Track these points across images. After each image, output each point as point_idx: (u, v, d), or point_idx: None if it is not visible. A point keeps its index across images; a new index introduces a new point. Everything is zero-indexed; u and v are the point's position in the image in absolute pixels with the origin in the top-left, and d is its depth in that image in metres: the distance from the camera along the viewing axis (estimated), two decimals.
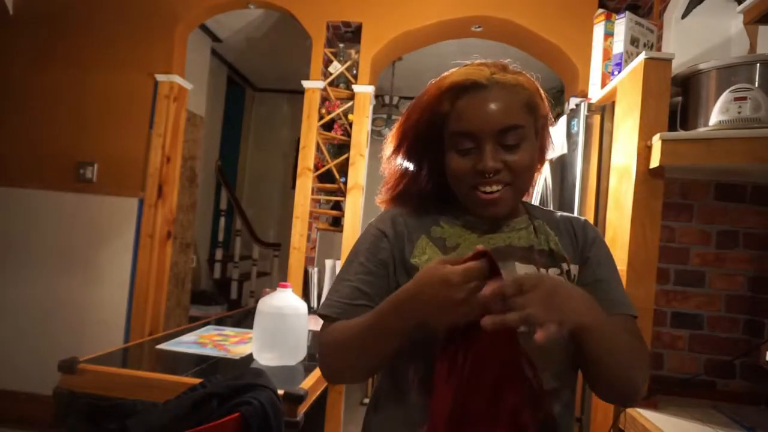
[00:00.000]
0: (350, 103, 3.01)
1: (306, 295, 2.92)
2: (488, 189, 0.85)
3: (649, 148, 1.53)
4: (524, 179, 0.87)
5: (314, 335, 2.13)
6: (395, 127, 0.96)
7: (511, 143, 0.84)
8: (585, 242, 0.94)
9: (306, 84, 2.99)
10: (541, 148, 0.91)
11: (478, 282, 0.68)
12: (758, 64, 1.40)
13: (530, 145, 0.86)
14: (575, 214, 1.00)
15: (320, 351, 0.88)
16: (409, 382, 0.84)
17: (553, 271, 0.87)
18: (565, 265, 0.89)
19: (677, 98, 1.59)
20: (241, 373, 1.37)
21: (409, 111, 0.92)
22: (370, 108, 3.08)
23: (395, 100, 4.87)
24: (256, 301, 1.74)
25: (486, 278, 0.69)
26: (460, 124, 0.85)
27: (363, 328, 0.79)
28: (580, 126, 1.92)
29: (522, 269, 0.87)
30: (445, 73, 0.90)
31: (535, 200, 2.44)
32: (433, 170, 0.92)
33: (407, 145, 0.92)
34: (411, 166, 0.94)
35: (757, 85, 1.39)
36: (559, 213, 0.99)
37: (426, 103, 0.88)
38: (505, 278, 0.74)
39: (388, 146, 0.97)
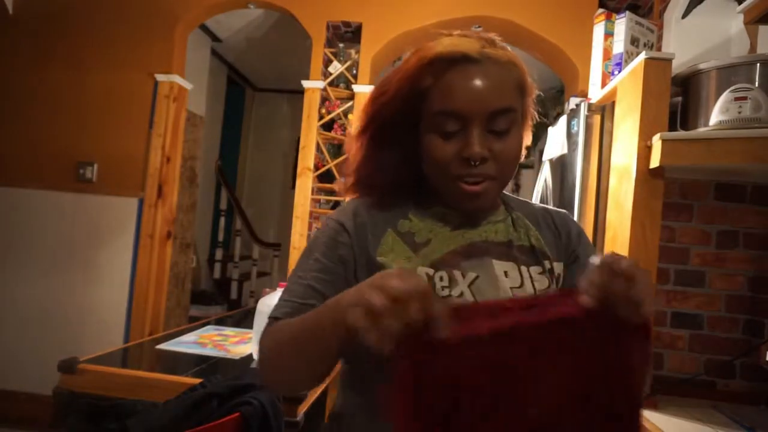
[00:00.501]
0: (350, 103, 3.01)
1: None
2: (472, 179, 0.75)
3: (649, 148, 1.53)
4: (509, 171, 0.78)
5: None
6: (365, 102, 0.85)
7: (500, 128, 0.74)
8: (569, 238, 0.86)
9: (306, 84, 2.99)
10: (525, 136, 0.82)
11: (416, 310, 0.52)
12: (758, 64, 1.40)
13: (518, 131, 0.78)
14: (556, 207, 0.94)
15: (258, 355, 0.76)
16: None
17: (534, 269, 0.80)
18: (547, 263, 0.82)
19: (677, 98, 1.59)
20: (241, 373, 1.37)
21: (383, 84, 0.81)
22: None
23: None
24: (256, 301, 1.74)
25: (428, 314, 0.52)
26: (445, 102, 0.74)
27: (299, 329, 0.70)
28: (580, 126, 1.92)
29: (499, 267, 0.79)
30: (429, 43, 0.78)
31: (535, 200, 2.44)
32: (405, 155, 0.81)
33: (377, 124, 0.81)
34: (379, 149, 0.82)
35: (757, 85, 1.39)
36: (538, 205, 0.92)
37: (405, 76, 0.77)
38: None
39: (354, 124, 0.85)
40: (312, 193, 2.99)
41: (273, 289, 1.74)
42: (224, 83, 4.96)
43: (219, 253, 4.87)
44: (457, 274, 0.76)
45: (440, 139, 0.75)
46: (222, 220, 4.88)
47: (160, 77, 3.00)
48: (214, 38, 4.24)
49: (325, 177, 3.08)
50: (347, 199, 0.89)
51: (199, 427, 1.12)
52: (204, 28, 3.99)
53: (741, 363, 1.64)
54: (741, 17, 1.62)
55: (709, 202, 1.68)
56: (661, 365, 1.68)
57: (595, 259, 0.58)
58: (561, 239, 0.86)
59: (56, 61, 3.06)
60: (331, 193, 3.12)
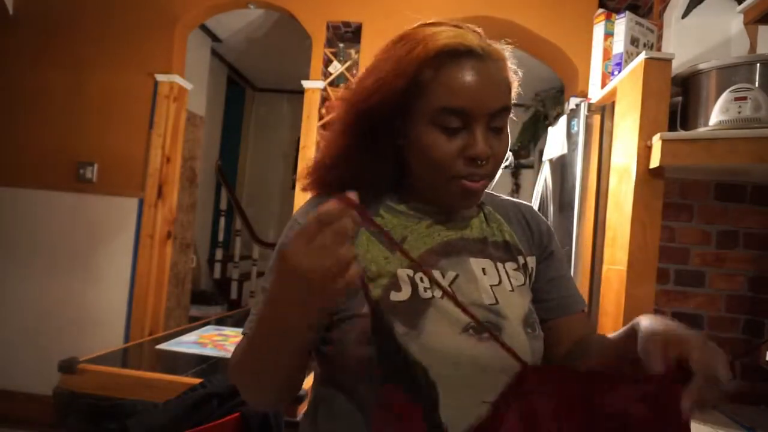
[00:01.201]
0: None
1: None
2: (476, 178, 0.72)
3: (649, 148, 1.53)
4: (499, 168, 0.76)
5: None
6: (345, 92, 0.79)
7: (498, 126, 0.73)
8: (540, 233, 0.86)
9: (306, 84, 2.99)
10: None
11: (346, 226, 0.52)
12: (758, 64, 1.40)
13: (507, 129, 0.76)
14: (522, 200, 0.92)
15: (230, 378, 0.74)
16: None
17: (509, 266, 0.79)
18: (521, 258, 0.81)
19: (677, 98, 1.59)
20: None
21: (371, 73, 0.75)
22: None
23: None
24: None
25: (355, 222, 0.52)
26: (450, 98, 0.70)
27: (250, 340, 0.67)
28: (580, 126, 1.92)
29: (477, 265, 0.77)
30: (425, 32, 0.74)
31: (535, 200, 2.44)
32: (385, 150, 0.76)
33: (362, 116, 0.74)
34: (359, 143, 0.75)
35: (757, 85, 1.39)
36: (504, 197, 0.90)
37: (403, 67, 0.71)
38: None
39: (333, 114, 0.83)
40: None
41: None
42: (224, 83, 4.96)
43: (219, 253, 4.87)
44: (436, 274, 0.74)
45: (443, 137, 0.71)
46: (222, 220, 4.88)
47: (160, 77, 3.00)
48: (214, 38, 4.24)
49: None
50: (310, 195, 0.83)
51: (199, 427, 1.12)
52: (204, 28, 3.99)
53: (741, 363, 1.64)
54: (741, 17, 1.62)
55: (709, 202, 1.68)
56: None
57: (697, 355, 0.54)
58: (533, 234, 0.85)
59: (56, 61, 3.06)
60: None
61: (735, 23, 1.70)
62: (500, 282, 0.76)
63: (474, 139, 0.70)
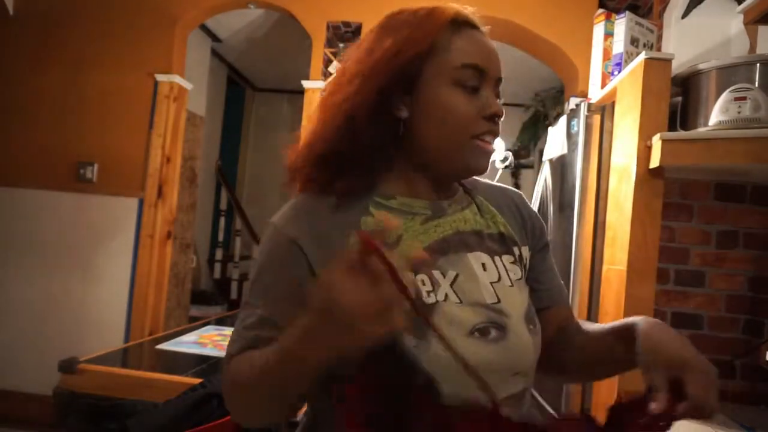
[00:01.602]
0: None
1: None
2: (490, 139, 0.73)
3: (649, 148, 1.53)
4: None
5: None
6: (348, 60, 0.75)
7: (498, 95, 0.75)
8: (533, 223, 0.85)
9: (306, 84, 2.99)
10: None
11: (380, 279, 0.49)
12: (758, 64, 1.40)
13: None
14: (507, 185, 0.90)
15: (225, 393, 0.70)
16: None
17: (506, 259, 0.77)
18: (516, 250, 0.80)
19: (677, 98, 1.59)
20: None
21: (381, 46, 0.71)
22: None
23: None
24: None
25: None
26: (469, 55, 0.71)
27: (264, 366, 0.62)
28: (580, 126, 1.92)
29: (476, 261, 0.74)
30: (430, 4, 0.75)
31: (535, 200, 2.44)
32: (385, 128, 0.72)
33: (374, 89, 0.70)
34: (360, 120, 0.70)
35: (757, 85, 1.39)
36: (491, 183, 0.88)
37: (423, 31, 0.71)
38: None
39: (334, 85, 0.75)
40: None
41: None
42: (224, 83, 4.96)
43: (219, 253, 4.87)
44: (437, 274, 0.71)
45: (462, 96, 0.71)
46: (222, 220, 4.88)
47: (160, 77, 3.00)
48: (214, 38, 4.24)
49: None
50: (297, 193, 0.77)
51: (199, 427, 1.12)
52: (204, 28, 3.99)
53: (741, 363, 1.64)
54: (741, 17, 1.62)
55: (709, 202, 1.68)
56: None
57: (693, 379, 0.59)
58: (525, 223, 0.84)
59: (56, 61, 3.06)
60: None
61: (735, 23, 1.70)
62: (500, 278, 0.75)
63: (491, 98, 0.72)
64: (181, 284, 3.89)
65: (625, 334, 0.69)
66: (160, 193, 2.99)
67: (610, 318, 1.64)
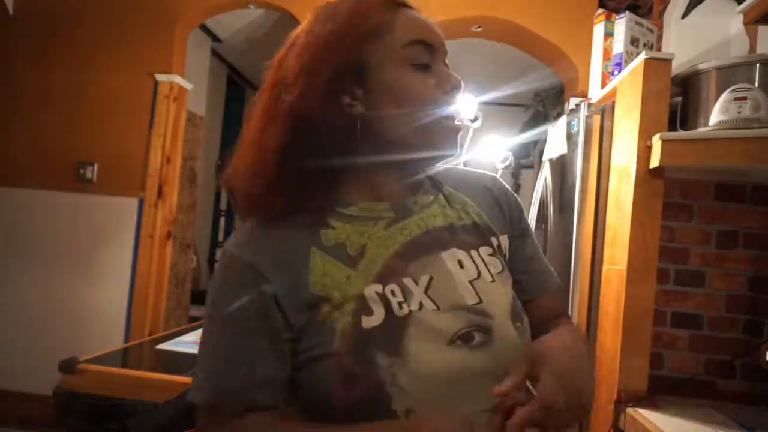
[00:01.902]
0: None
1: None
2: (457, 113, 0.67)
3: (649, 148, 1.53)
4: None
5: None
6: (286, 73, 0.66)
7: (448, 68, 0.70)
8: (510, 207, 0.78)
9: None
10: None
11: None
12: (758, 64, 1.40)
13: None
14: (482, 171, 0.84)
15: None
16: None
17: (484, 251, 0.71)
18: (494, 240, 0.73)
19: (677, 98, 1.59)
20: None
21: (317, 41, 0.65)
22: None
23: None
24: None
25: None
26: (414, 31, 0.67)
27: None
28: (580, 126, 1.92)
29: (451, 258, 0.68)
30: None
31: (535, 200, 2.44)
32: (336, 131, 0.65)
33: (318, 78, 0.63)
34: (307, 122, 0.64)
35: (757, 85, 1.39)
36: (463, 169, 0.82)
37: (358, 18, 0.65)
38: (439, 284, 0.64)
39: (274, 87, 0.67)
40: None
41: None
42: (224, 83, 4.96)
43: (219, 253, 4.86)
44: (408, 282, 0.65)
45: (417, 74, 0.66)
46: (222, 220, 4.88)
47: (160, 77, 3.00)
48: (214, 38, 4.24)
49: None
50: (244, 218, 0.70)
51: None
52: (204, 28, 3.99)
53: (741, 363, 1.64)
54: (741, 17, 1.62)
55: (709, 202, 1.68)
56: (661, 365, 1.68)
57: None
58: (502, 209, 0.77)
59: (56, 61, 3.06)
60: None
61: (735, 23, 1.70)
62: (479, 274, 0.69)
63: (445, 71, 0.68)
64: (181, 284, 3.89)
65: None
66: (160, 193, 2.99)
67: (611, 318, 1.64)
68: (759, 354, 1.57)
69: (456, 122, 0.67)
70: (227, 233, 5.06)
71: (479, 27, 3.04)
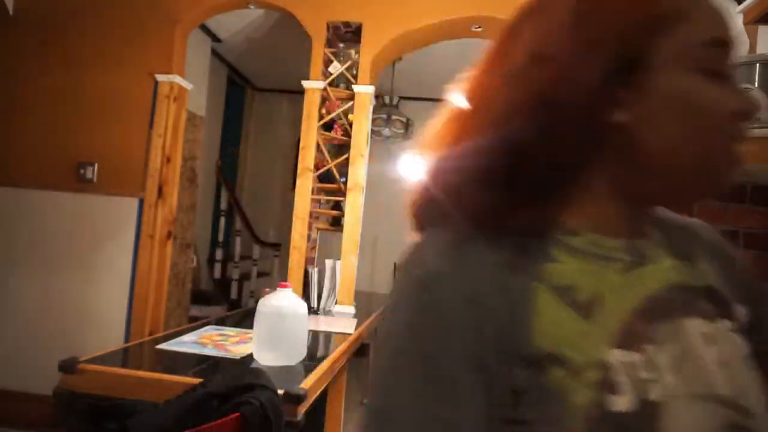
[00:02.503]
0: (350, 103, 3.01)
1: (306, 295, 2.92)
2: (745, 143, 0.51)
3: None
4: None
5: (313, 335, 2.13)
6: (520, 41, 0.52)
7: None
8: (741, 266, 0.60)
9: (306, 84, 3.00)
10: None
11: None
12: (758, 64, 1.40)
13: None
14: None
15: None
16: None
17: (725, 326, 0.51)
18: (733, 311, 0.54)
19: None
20: (241, 373, 1.37)
21: (583, 20, 0.48)
22: (370, 108, 3.08)
23: (395, 100, 4.88)
24: (256, 301, 1.74)
25: None
26: (716, 27, 0.49)
27: None
28: None
29: (695, 330, 0.49)
30: None
31: None
32: (594, 133, 0.49)
33: (581, 75, 0.47)
34: (554, 113, 0.47)
35: (757, 85, 1.39)
36: (672, 214, 0.63)
37: None
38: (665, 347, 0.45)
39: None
40: (312, 193, 2.99)
41: (273, 289, 1.74)
42: (224, 83, 4.97)
43: (219, 253, 4.87)
44: (653, 350, 0.47)
45: (712, 85, 0.48)
46: (222, 220, 4.87)
47: (160, 77, 3.00)
48: (214, 38, 4.24)
49: (325, 177, 3.08)
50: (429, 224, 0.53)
51: (199, 427, 1.12)
52: (204, 28, 3.99)
53: None
54: (741, 17, 1.62)
55: (709, 202, 1.68)
56: None
57: None
58: (732, 271, 0.58)
59: (56, 61, 3.06)
60: (332, 193, 3.12)
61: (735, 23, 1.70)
62: (725, 354, 0.50)
63: (741, 89, 0.51)
64: (181, 284, 3.89)
65: None
66: (160, 193, 2.99)
67: None
68: None
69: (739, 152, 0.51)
70: (227, 233, 5.06)
71: (479, 27, 3.04)
